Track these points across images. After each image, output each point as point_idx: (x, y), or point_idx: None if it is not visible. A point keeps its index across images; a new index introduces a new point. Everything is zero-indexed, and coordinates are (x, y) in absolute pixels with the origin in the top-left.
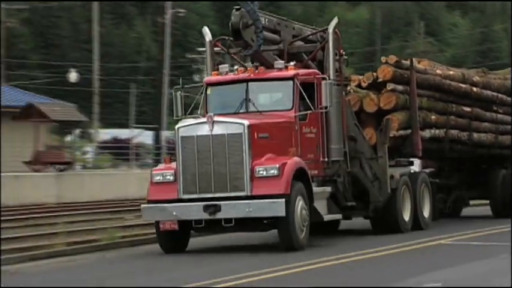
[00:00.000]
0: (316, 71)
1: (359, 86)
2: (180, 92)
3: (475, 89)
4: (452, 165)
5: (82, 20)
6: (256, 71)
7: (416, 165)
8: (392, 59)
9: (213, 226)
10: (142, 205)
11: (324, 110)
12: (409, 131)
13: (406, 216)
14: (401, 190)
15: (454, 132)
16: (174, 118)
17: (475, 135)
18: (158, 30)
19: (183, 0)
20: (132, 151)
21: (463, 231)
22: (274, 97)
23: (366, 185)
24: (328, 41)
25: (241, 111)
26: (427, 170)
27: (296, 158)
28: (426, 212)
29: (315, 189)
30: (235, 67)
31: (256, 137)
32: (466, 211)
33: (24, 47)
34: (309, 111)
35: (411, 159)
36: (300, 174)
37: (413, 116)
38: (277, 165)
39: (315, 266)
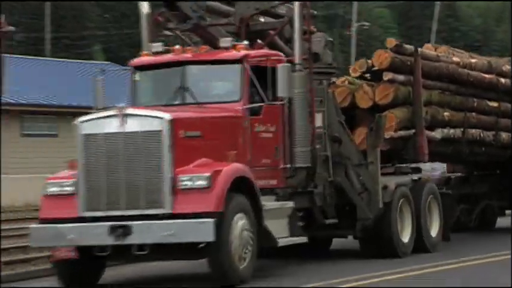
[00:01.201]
0: (276, 52)
1: (362, 77)
2: (101, 78)
3: (503, 80)
4: (482, 170)
5: None
6: (198, 51)
7: (439, 170)
8: (391, 42)
9: (123, 254)
10: (31, 226)
11: (280, 103)
12: (413, 131)
13: (405, 236)
14: (399, 204)
15: (475, 131)
16: (94, 111)
17: (504, 135)
18: (345, 42)
19: None
20: None
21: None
22: (218, 85)
23: (353, 197)
24: (294, 15)
25: (176, 102)
26: (453, 176)
27: (236, 165)
28: (434, 231)
29: (269, 204)
30: (178, 47)
31: (181, 135)
32: (501, 222)
33: None
34: (262, 104)
35: (417, 164)
36: (243, 186)
37: (418, 113)
38: (207, 174)
39: None
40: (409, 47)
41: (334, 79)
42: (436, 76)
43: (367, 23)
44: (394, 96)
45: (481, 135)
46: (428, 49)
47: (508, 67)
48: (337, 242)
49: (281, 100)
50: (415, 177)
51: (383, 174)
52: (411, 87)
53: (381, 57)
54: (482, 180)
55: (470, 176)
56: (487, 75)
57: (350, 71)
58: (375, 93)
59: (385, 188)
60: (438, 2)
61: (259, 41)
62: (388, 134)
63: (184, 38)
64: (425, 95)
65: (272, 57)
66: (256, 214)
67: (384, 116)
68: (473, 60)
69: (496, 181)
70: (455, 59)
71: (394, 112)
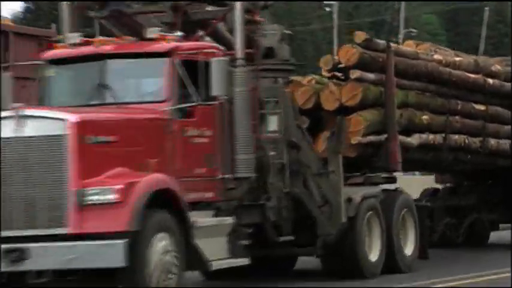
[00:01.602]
0: (212, 45)
1: (335, 76)
2: (8, 73)
3: (491, 81)
4: (473, 180)
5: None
6: (120, 43)
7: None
8: (361, 35)
9: (20, 281)
10: None
11: (217, 103)
12: (385, 136)
13: (374, 254)
14: (365, 218)
15: (458, 137)
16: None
17: (492, 141)
18: None
19: None
20: None
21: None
22: (143, 82)
23: (312, 211)
24: (234, 3)
25: (94, 102)
26: (441, 186)
27: (157, 175)
28: (409, 249)
29: (202, 221)
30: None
31: (89, 141)
32: (496, 237)
33: None
34: (194, 104)
35: (391, 174)
36: (166, 200)
37: (390, 116)
38: (120, 186)
39: None
40: (381, 42)
41: (299, 78)
42: (414, 75)
43: (414, 30)
44: (362, 97)
45: (466, 141)
46: (409, 46)
47: (498, 67)
48: (302, 261)
49: (213, 99)
50: (388, 187)
51: (350, 184)
52: (383, 86)
53: (348, 53)
54: (471, 192)
55: (460, 187)
56: (472, 75)
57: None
58: (342, 93)
59: (349, 200)
60: (487, 8)
61: (200, 32)
62: (354, 139)
63: (111, 28)
64: (400, 95)
65: (206, 50)
66: (184, 232)
67: (346, 119)
68: (457, 59)
69: (487, 192)
70: (436, 56)
71: (362, 114)
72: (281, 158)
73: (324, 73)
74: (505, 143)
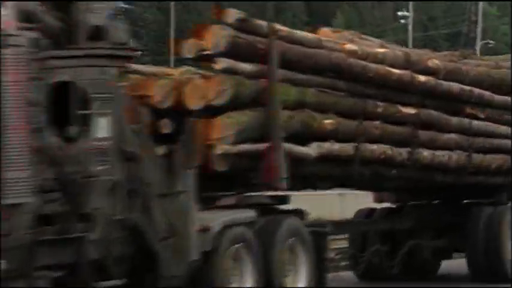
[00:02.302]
0: None
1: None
2: None
3: (423, 78)
4: (418, 199)
5: None
6: None
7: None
8: (232, 14)
9: None
10: None
11: None
12: (265, 144)
13: None
14: (229, 253)
15: (377, 147)
16: None
17: (425, 153)
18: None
19: None
20: None
21: None
22: None
23: (153, 245)
24: None
25: None
26: (379, 207)
27: None
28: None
29: None
30: None
31: None
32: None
33: None
34: None
35: (277, 192)
36: None
37: (272, 118)
38: None
39: None
40: (263, 23)
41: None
42: (312, 67)
43: (492, 42)
44: (234, 94)
45: (389, 152)
46: (325, 34)
47: (437, 62)
48: None
49: None
50: (268, 210)
51: (219, 207)
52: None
53: (216, 36)
54: (412, 213)
55: (402, 208)
56: (397, 71)
57: None
58: (209, 88)
59: (204, 229)
60: None
61: None
62: (220, 149)
63: None
64: (293, 93)
65: None
66: None
67: (207, 122)
68: (380, 50)
69: (432, 214)
70: (349, 46)
71: (233, 116)
72: (111, 174)
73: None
74: (443, 155)
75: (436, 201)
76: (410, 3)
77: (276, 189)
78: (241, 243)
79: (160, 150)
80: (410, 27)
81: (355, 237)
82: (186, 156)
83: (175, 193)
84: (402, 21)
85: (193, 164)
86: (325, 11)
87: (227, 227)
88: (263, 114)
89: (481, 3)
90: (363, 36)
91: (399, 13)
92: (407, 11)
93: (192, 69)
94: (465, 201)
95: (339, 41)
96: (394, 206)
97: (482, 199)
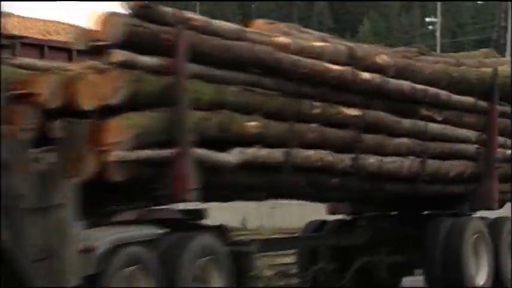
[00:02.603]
0: None
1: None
2: None
3: (367, 76)
4: (372, 210)
5: None
6: None
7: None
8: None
9: None
10: None
11: None
12: (170, 150)
13: None
14: (119, 277)
15: (314, 153)
16: None
17: (371, 159)
18: None
19: None
20: None
21: None
22: None
23: (24, 269)
24: None
25: None
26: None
27: None
28: None
29: None
30: None
31: None
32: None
33: None
34: None
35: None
36: None
37: (179, 120)
38: None
39: None
40: (169, 11)
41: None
42: (233, 62)
43: None
44: (131, 91)
45: (328, 158)
46: (257, 26)
47: (386, 58)
48: None
49: None
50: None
51: (112, 223)
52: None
53: (111, 25)
54: (366, 227)
55: (356, 220)
56: (336, 67)
57: None
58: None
59: (87, 250)
60: None
61: None
62: (115, 155)
63: None
64: (208, 91)
65: None
66: None
67: (90, 124)
68: (318, 44)
69: (388, 227)
70: (280, 39)
71: (131, 118)
72: None
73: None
74: (393, 162)
75: (394, 213)
76: (439, 9)
77: (183, 201)
78: (136, 265)
79: (42, 156)
80: (438, 34)
81: (304, 253)
82: (68, 164)
83: (53, 207)
84: (430, 27)
85: (77, 173)
86: (351, 17)
87: (118, 246)
88: (170, 116)
89: (510, 9)
90: (303, 29)
91: (427, 19)
92: (435, 17)
93: (98, 63)
94: (426, 212)
95: (269, 34)
96: (347, 218)
97: (443, 210)
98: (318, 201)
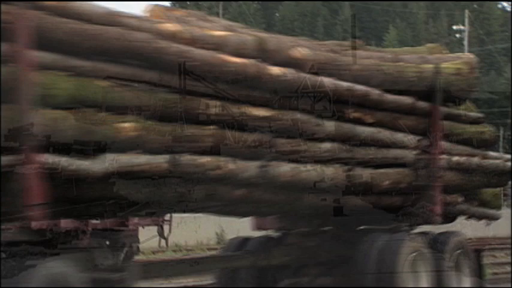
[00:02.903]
0: None
1: None
2: None
3: (277, 71)
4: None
5: None
6: None
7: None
8: None
9: None
10: None
11: None
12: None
13: None
14: None
15: (208, 161)
16: None
17: (285, 167)
18: None
19: None
20: None
21: None
22: None
23: None
24: None
25: None
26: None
27: None
28: None
29: None
30: None
31: None
32: None
33: None
34: None
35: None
36: None
37: (20, 121)
38: None
39: None
40: None
41: None
42: (101, 51)
43: None
44: None
45: (230, 166)
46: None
47: (303, 51)
48: None
49: None
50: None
51: None
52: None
53: None
54: (292, 245)
55: (284, 237)
56: (237, 59)
57: None
58: None
59: None
60: None
61: None
62: None
63: None
64: (65, 85)
65: None
66: None
67: None
68: (217, 33)
69: (318, 245)
70: (168, 26)
71: None
72: None
73: None
74: (311, 170)
75: (326, 228)
76: (466, 17)
77: (21, 220)
78: None
79: None
80: (465, 42)
81: (223, 274)
82: None
83: None
84: (458, 35)
85: None
86: (377, 25)
87: None
88: (10, 114)
89: None
90: (209, 17)
91: (454, 27)
92: (463, 25)
93: None
94: (360, 227)
95: (153, 20)
96: (273, 235)
97: (379, 225)
98: (225, 216)
